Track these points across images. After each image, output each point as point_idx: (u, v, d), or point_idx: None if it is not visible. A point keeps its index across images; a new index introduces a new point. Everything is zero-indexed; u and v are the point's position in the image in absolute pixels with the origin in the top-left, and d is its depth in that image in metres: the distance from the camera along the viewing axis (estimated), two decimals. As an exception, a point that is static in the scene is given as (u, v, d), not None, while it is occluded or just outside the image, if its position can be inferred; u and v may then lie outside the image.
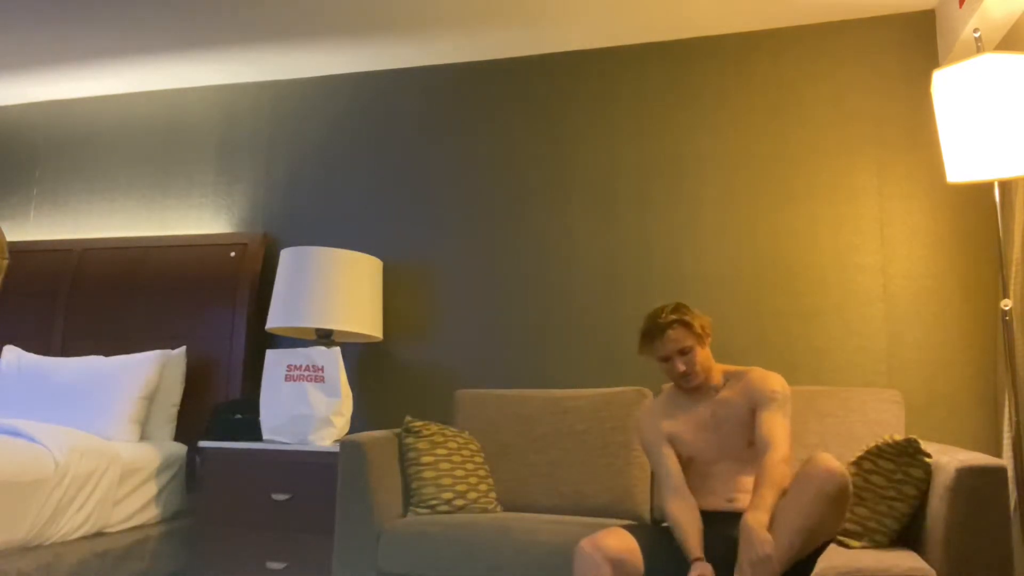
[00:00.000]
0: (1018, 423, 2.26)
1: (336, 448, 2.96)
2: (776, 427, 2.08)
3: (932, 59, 3.13)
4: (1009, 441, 2.43)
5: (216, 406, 3.31)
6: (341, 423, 3.12)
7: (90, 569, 2.73)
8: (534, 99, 3.57)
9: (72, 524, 2.68)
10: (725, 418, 2.18)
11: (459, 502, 2.72)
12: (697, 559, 1.94)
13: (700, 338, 2.20)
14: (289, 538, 2.92)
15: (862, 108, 3.18)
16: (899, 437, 2.28)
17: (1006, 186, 2.69)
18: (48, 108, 4.23)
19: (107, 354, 3.52)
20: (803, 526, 1.84)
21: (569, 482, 2.85)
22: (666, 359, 2.21)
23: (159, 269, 3.70)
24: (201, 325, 3.58)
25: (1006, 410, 2.44)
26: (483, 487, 2.80)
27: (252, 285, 3.60)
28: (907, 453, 2.24)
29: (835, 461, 1.88)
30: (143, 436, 3.31)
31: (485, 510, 2.77)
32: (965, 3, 2.71)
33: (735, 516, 2.09)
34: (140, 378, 3.28)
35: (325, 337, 3.27)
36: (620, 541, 1.96)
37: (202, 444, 3.09)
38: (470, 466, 2.81)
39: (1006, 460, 2.44)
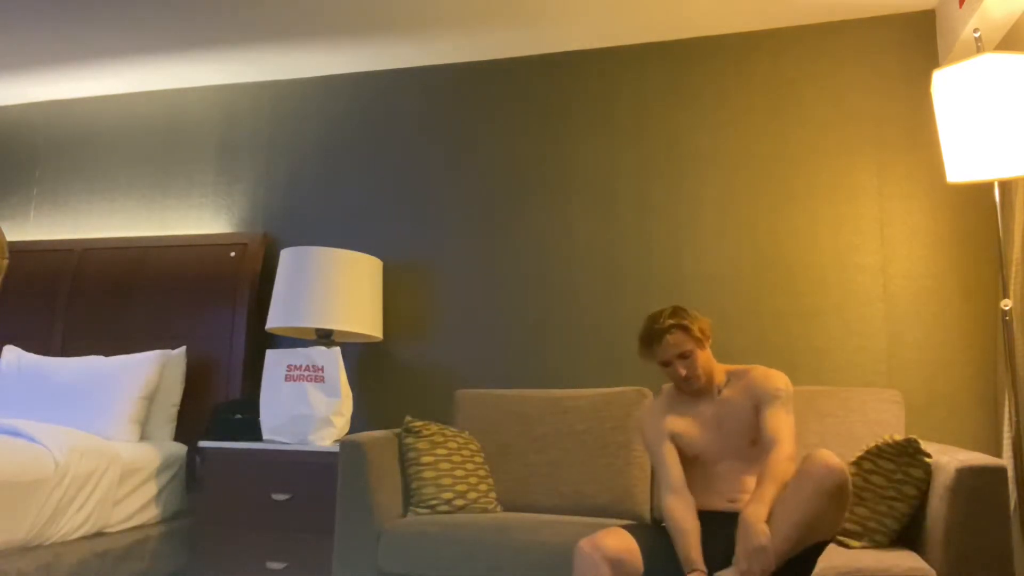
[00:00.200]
0: (1018, 423, 2.26)
1: (336, 448, 2.96)
2: (781, 424, 2.08)
3: (932, 59, 3.13)
4: (1009, 441, 2.43)
5: (216, 406, 3.31)
6: (341, 423, 3.12)
7: (90, 569, 2.73)
8: (534, 99, 3.57)
9: (72, 524, 2.68)
10: (728, 417, 2.18)
11: (459, 502, 2.72)
12: (695, 571, 1.93)
13: (700, 341, 2.20)
14: (289, 538, 2.92)
15: (862, 108, 3.18)
16: (899, 437, 2.28)
17: (1006, 186, 2.69)
18: (48, 108, 4.23)
19: (107, 354, 3.52)
20: (800, 520, 1.84)
21: (569, 482, 2.85)
22: (667, 364, 2.20)
23: (159, 269, 3.70)
24: (201, 325, 3.58)
25: (1006, 410, 2.44)
26: (483, 487, 2.80)
27: (252, 285, 3.60)
28: (907, 453, 2.24)
29: (834, 457, 1.88)
30: (143, 436, 3.31)
31: (485, 510, 2.77)
32: (965, 3, 2.71)
33: (736, 516, 2.08)
34: (140, 378, 3.28)
35: (325, 337, 3.27)
36: (619, 541, 1.96)
37: (202, 444, 3.09)
38: (470, 466, 2.81)
39: (1006, 460, 2.44)
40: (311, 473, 2.94)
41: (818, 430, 2.70)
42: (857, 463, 2.33)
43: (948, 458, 2.12)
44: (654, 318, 2.21)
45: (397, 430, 2.86)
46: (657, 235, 3.31)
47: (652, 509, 2.82)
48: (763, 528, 1.84)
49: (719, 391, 2.23)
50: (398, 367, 3.51)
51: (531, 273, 3.43)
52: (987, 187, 2.91)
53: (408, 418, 2.83)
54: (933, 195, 3.06)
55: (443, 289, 3.52)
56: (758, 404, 2.15)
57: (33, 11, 3.35)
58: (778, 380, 2.17)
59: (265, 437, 3.13)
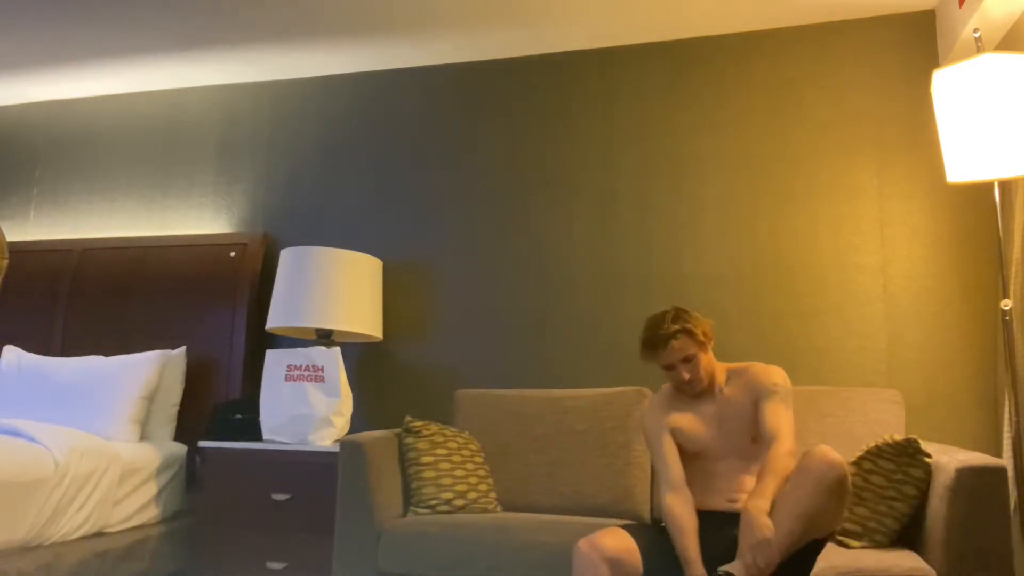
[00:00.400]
0: (1018, 423, 2.26)
1: (336, 448, 2.96)
2: (780, 420, 2.08)
3: (932, 59, 3.13)
4: (1009, 441, 2.43)
5: (216, 406, 3.31)
6: (341, 423, 3.12)
7: (90, 569, 2.73)
8: (534, 99, 3.57)
9: (72, 524, 2.68)
10: (730, 415, 2.18)
11: (459, 502, 2.71)
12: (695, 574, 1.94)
13: (703, 344, 2.19)
14: (289, 538, 2.92)
15: (862, 108, 3.18)
16: (899, 437, 2.28)
17: (1006, 186, 2.69)
18: (48, 108, 4.23)
19: (107, 354, 3.52)
20: (801, 514, 1.84)
21: (569, 482, 2.85)
22: (670, 368, 2.20)
23: (159, 269, 3.70)
24: (201, 325, 3.58)
25: (1006, 410, 2.44)
26: (483, 487, 2.80)
27: (252, 285, 3.60)
28: (907, 453, 2.24)
29: (833, 453, 1.89)
30: (143, 436, 3.31)
31: (485, 510, 2.77)
32: (965, 3, 2.71)
33: (736, 517, 2.08)
34: (140, 378, 3.28)
35: (325, 337, 3.27)
36: (618, 541, 1.96)
37: (202, 444, 3.09)
38: (470, 466, 2.81)
39: (1006, 460, 2.44)
40: (311, 473, 2.94)
41: (818, 430, 2.70)
42: (857, 463, 2.33)
43: (948, 458, 2.12)
44: (657, 323, 2.18)
45: (397, 430, 2.86)
46: (657, 235, 3.31)
47: (652, 509, 2.82)
48: (766, 521, 1.84)
49: (720, 389, 2.23)
50: (398, 367, 3.51)
51: (531, 273, 3.43)
52: (987, 187, 2.91)
53: (408, 418, 2.83)
54: (933, 195, 3.06)
55: (443, 289, 3.52)
56: (757, 400, 2.15)
57: (33, 11, 3.35)
58: (776, 375, 2.17)
59: (265, 437, 3.13)
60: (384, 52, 3.63)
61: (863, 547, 2.22)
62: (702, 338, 2.18)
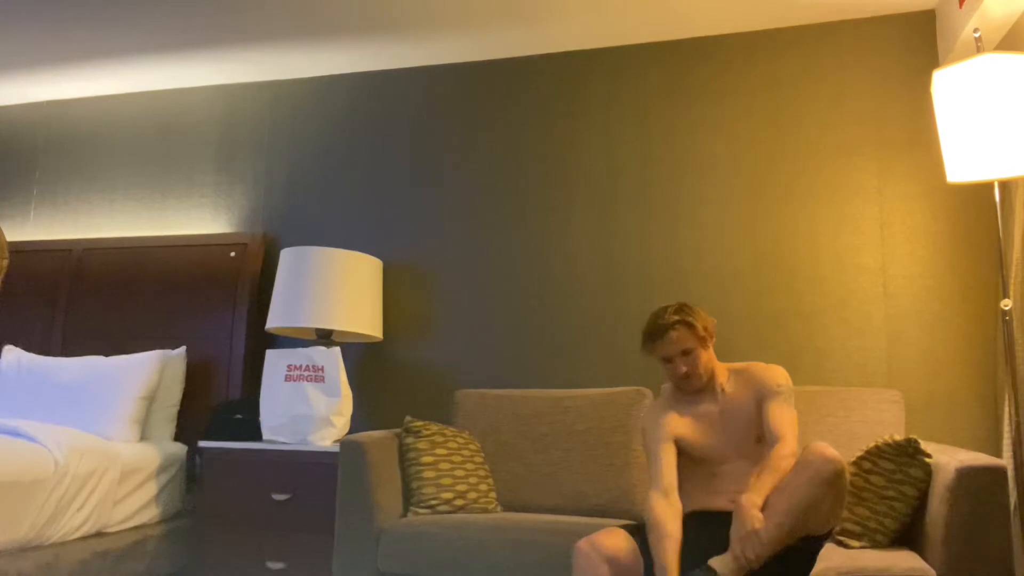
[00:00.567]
0: (1018, 423, 2.26)
1: (336, 448, 2.96)
2: (784, 420, 2.08)
3: (932, 59, 3.13)
4: (1009, 441, 2.43)
5: (216, 406, 3.31)
6: (341, 423, 3.12)
7: (90, 569, 2.73)
8: (534, 99, 3.57)
9: (72, 524, 2.68)
10: (733, 416, 2.17)
11: (459, 502, 2.71)
12: None
13: (703, 340, 2.19)
14: (289, 538, 2.92)
15: (862, 108, 3.18)
16: (899, 437, 2.28)
17: (1006, 186, 2.69)
18: (48, 108, 4.23)
19: (107, 354, 3.52)
20: (794, 506, 1.84)
21: (569, 482, 2.85)
22: (668, 360, 2.20)
23: (159, 269, 3.70)
24: (201, 325, 3.58)
25: (1006, 410, 2.44)
26: (483, 487, 2.80)
27: (252, 285, 3.60)
28: (907, 453, 2.24)
29: (830, 448, 1.89)
30: (143, 436, 3.31)
31: (485, 510, 2.77)
32: (965, 3, 2.71)
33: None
34: (140, 378, 3.28)
35: (325, 337, 3.27)
36: (618, 541, 1.96)
37: (202, 444, 3.09)
38: (470, 466, 2.81)
39: (1006, 460, 2.44)
40: (311, 473, 2.94)
41: (818, 430, 2.70)
42: (857, 463, 2.33)
43: (948, 458, 2.12)
44: (659, 313, 2.21)
45: (397, 430, 2.86)
46: (657, 235, 3.31)
47: (652, 509, 2.81)
48: (756, 514, 1.85)
49: (722, 390, 2.23)
50: (398, 367, 3.51)
51: (531, 273, 3.43)
52: (987, 187, 2.91)
53: (408, 418, 2.83)
54: (933, 195, 3.06)
55: (443, 289, 3.52)
56: (760, 400, 2.15)
57: (33, 11, 3.35)
58: (779, 375, 2.17)
59: (265, 437, 3.13)
60: (384, 52, 3.63)
61: (863, 547, 2.22)
62: (703, 332, 2.18)
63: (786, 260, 3.16)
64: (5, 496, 2.41)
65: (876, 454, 2.29)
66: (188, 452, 3.35)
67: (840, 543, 2.26)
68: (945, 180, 3.02)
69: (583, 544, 1.95)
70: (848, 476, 1.94)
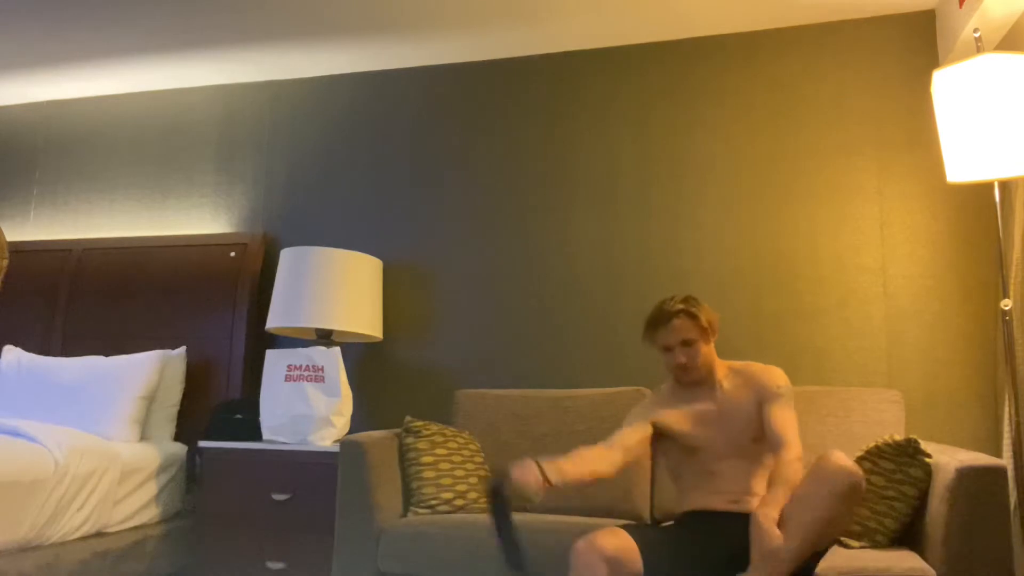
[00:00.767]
0: (1018, 423, 2.26)
1: (336, 448, 2.96)
2: (787, 423, 2.08)
3: (932, 59, 3.13)
4: (1009, 441, 2.43)
5: (216, 406, 3.31)
6: (341, 423, 3.12)
7: (90, 569, 2.73)
8: (534, 99, 3.57)
9: (72, 524, 2.68)
10: (730, 413, 2.18)
11: (459, 502, 2.71)
12: (546, 483, 1.96)
13: (705, 333, 2.20)
14: (289, 538, 2.92)
15: (862, 108, 3.18)
16: (899, 437, 2.28)
17: (1006, 186, 2.68)
18: (48, 108, 4.23)
19: (107, 354, 3.52)
20: (814, 520, 1.84)
21: (569, 482, 2.85)
22: (667, 349, 2.20)
23: (159, 269, 3.70)
24: (201, 325, 3.58)
25: (1006, 410, 2.44)
26: (483, 487, 2.80)
27: (252, 285, 3.60)
28: (907, 453, 2.24)
29: (848, 459, 1.88)
30: (143, 436, 3.31)
31: (485, 510, 2.76)
32: (965, 3, 2.71)
33: (740, 518, 2.08)
34: (140, 378, 3.28)
35: (325, 337, 3.27)
36: (617, 540, 1.94)
37: (202, 444, 3.09)
38: (470, 466, 2.81)
39: (1006, 460, 2.44)
40: (311, 473, 2.94)
41: (818, 430, 2.71)
42: (857, 463, 2.33)
43: (948, 458, 2.12)
44: (664, 302, 2.23)
45: (397, 430, 2.86)
46: (657, 235, 3.31)
47: (652, 509, 2.82)
48: (775, 531, 1.83)
49: (720, 386, 2.22)
50: (398, 367, 3.51)
51: (531, 273, 3.43)
52: (987, 187, 2.91)
53: (408, 418, 2.83)
54: (933, 195, 3.06)
55: (443, 289, 3.52)
56: (760, 400, 2.15)
57: (33, 11, 3.35)
58: (778, 377, 2.18)
59: (265, 437, 3.13)
60: (384, 52, 3.63)
61: (863, 547, 2.22)
62: (705, 325, 2.19)
63: (786, 260, 3.16)
64: (5, 496, 2.41)
65: (876, 454, 2.29)
66: (188, 452, 3.35)
67: (840, 543, 2.26)
68: (945, 180, 3.02)
69: (581, 544, 1.94)
70: (865, 484, 1.92)
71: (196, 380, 3.51)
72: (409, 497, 2.74)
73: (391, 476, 2.69)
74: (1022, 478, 2.24)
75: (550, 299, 3.38)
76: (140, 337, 3.63)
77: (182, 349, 3.48)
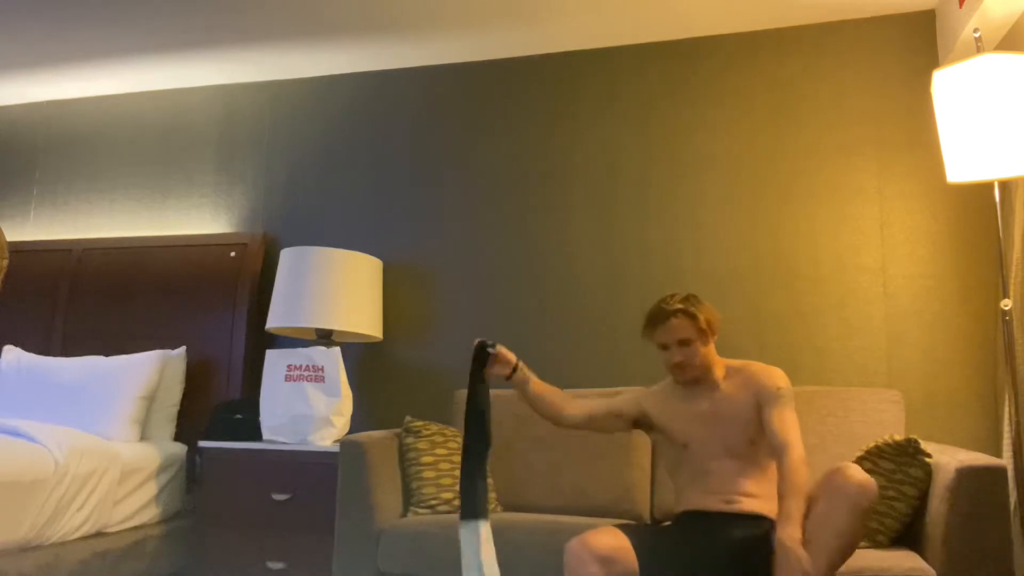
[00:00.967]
0: (1018, 423, 2.26)
1: (336, 448, 2.96)
2: (788, 425, 2.06)
3: (932, 59, 3.13)
4: (1009, 441, 2.43)
5: (216, 406, 3.31)
6: (341, 423, 3.12)
7: (90, 569, 2.73)
8: (534, 99, 3.57)
9: (72, 524, 2.68)
10: (727, 413, 2.16)
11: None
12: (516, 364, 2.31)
13: (703, 333, 2.17)
14: (289, 538, 2.92)
15: (862, 108, 3.18)
16: (899, 437, 2.28)
17: (1006, 186, 2.69)
18: (48, 108, 4.23)
19: (107, 354, 3.52)
20: (840, 545, 1.83)
21: (569, 482, 2.85)
22: (664, 347, 2.20)
23: (159, 269, 3.70)
24: (201, 325, 3.58)
25: (1006, 410, 2.44)
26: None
27: (252, 285, 3.60)
28: (907, 453, 2.24)
29: (863, 472, 1.87)
30: (143, 436, 3.31)
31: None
32: (965, 3, 2.71)
33: (733, 518, 2.07)
34: (140, 378, 3.28)
35: (325, 337, 3.27)
36: (610, 539, 1.93)
37: (202, 444, 3.09)
38: (470, 466, 2.81)
39: (1006, 460, 2.44)
40: (311, 473, 2.94)
41: (818, 430, 2.71)
42: (857, 463, 2.33)
43: (948, 458, 2.12)
44: (664, 300, 2.21)
45: (397, 430, 2.86)
46: (657, 235, 3.31)
47: (652, 509, 2.82)
48: (803, 554, 1.81)
49: (717, 386, 2.21)
50: (398, 367, 3.51)
51: (531, 273, 3.43)
52: (987, 187, 2.91)
53: (408, 418, 2.83)
54: (933, 195, 3.06)
55: (443, 289, 3.52)
56: (759, 402, 2.13)
57: (33, 12, 3.35)
58: (778, 378, 2.15)
59: (265, 437, 3.13)
60: (384, 52, 3.63)
61: (863, 547, 2.21)
62: (704, 326, 2.17)
63: (786, 260, 3.16)
64: (5, 496, 2.41)
65: (876, 454, 2.29)
66: (188, 452, 3.35)
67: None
68: (945, 180, 3.02)
69: (574, 544, 1.92)
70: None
71: (196, 380, 3.51)
72: (409, 497, 2.74)
73: (391, 476, 2.69)
74: (1022, 478, 2.24)
75: (550, 299, 3.38)
76: (140, 337, 3.63)
77: (182, 349, 3.48)
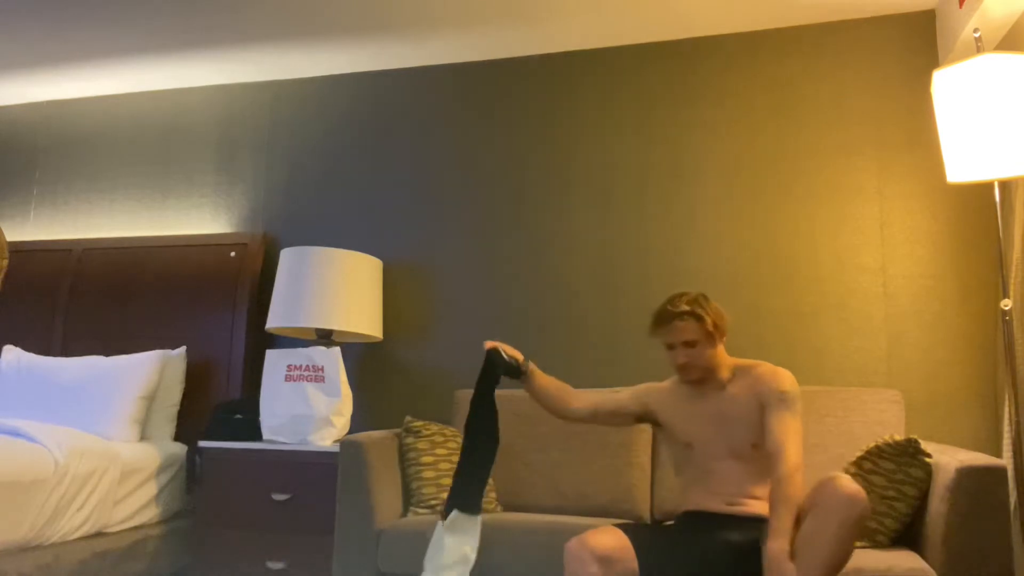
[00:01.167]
0: (1018, 423, 2.26)
1: (336, 448, 2.96)
2: (787, 432, 2.03)
3: (932, 59, 3.13)
4: (1009, 441, 2.43)
5: (216, 406, 3.31)
6: (341, 423, 3.12)
7: (90, 569, 2.73)
8: (534, 99, 3.57)
9: (72, 524, 2.68)
10: (731, 414, 2.15)
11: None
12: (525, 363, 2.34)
13: (710, 336, 2.15)
14: (289, 538, 2.92)
15: (862, 108, 3.18)
16: (899, 437, 2.28)
17: (1006, 186, 2.69)
18: (48, 108, 4.23)
19: (107, 354, 3.52)
20: (829, 560, 1.81)
21: (569, 482, 2.85)
22: (670, 347, 2.19)
23: (159, 269, 3.70)
24: (201, 325, 3.58)
25: (1006, 410, 2.44)
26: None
27: (252, 285, 3.60)
28: (907, 453, 2.24)
29: (853, 484, 1.84)
30: (143, 436, 3.31)
31: (485, 510, 2.76)
32: (965, 3, 2.71)
33: (734, 520, 2.07)
34: (140, 378, 3.28)
35: (325, 337, 3.27)
36: (610, 539, 1.92)
37: (202, 444, 3.09)
38: (470, 466, 2.81)
39: (1006, 460, 2.44)
40: (311, 473, 2.94)
41: (818, 430, 2.71)
42: (857, 463, 2.33)
43: (948, 458, 2.12)
44: (672, 300, 2.19)
45: (397, 430, 2.87)
46: (657, 235, 3.32)
47: (652, 509, 2.82)
48: (789, 567, 1.80)
49: (724, 387, 2.20)
50: (398, 367, 3.51)
51: (531, 273, 3.43)
52: (987, 187, 2.91)
53: (408, 418, 2.83)
54: (933, 195, 3.06)
55: (443, 289, 3.52)
56: (763, 405, 2.11)
57: (33, 11, 3.35)
58: (785, 382, 2.12)
59: (265, 437, 3.13)
60: (384, 52, 3.63)
61: (863, 547, 2.21)
62: (710, 328, 2.14)
63: (786, 260, 3.16)
64: (5, 496, 2.41)
65: (876, 454, 2.29)
66: (188, 452, 3.35)
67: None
68: (945, 180, 3.02)
69: (573, 544, 1.92)
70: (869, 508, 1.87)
71: (196, 380, 3.51)
72: (409, 497, 2.74)
73: (391, 476, 2.69)
74: (1022, 478, 2.24)
75: (550, 299, 3.38)
76: (140, 337, 3.63)
77: (182, 349, 3.48)
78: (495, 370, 2.31)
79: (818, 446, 2.68)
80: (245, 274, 3.60)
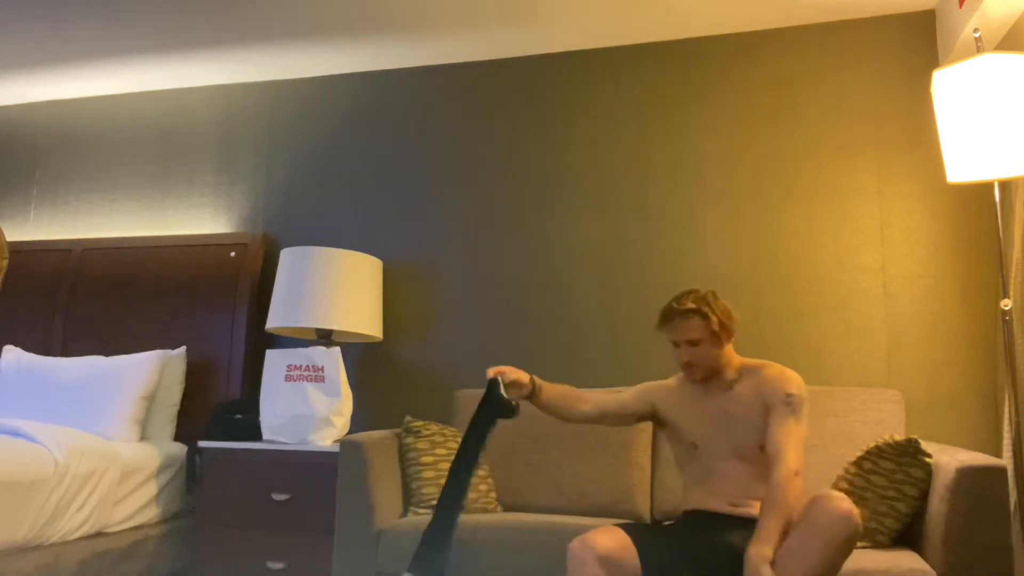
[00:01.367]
0: (1018, 423, 2.26)
1: (336, 448, 2.96)
2: (788, 436, 2.01)
3: (932, 59, 3.13)
4: (1009, 441, 2.43)
5: (216, 406, 3.31)
6: (341, 423, 3.12)
7: (90, 569, 2.73)
8: (534, 99, 3.57)
9: (72, 524, 2.68)
10: (737, 415, 2.13)
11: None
12: (532, 382, 2.27)
13: (715, 335, 2.13)
14: (289, 538, 2.92)
15: (862, 108, 3.18)
16: (899, 437, 2.28)
17: (1006, 186, 2.69)
18: (48, 108, 4.23)
19: (107, 354, 3.52)
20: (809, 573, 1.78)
21: (569, 482, 2.85)
22: (675, 344, 2.18)
23: (159, 269, 3.70)
24: (201, 325, 3.58)
25: (1006, 410, 2.44)
26: (483, 487, 2.80)
27: (252, 285, 3.60)
28: (908, 453, 2.24)
29: (846, 502, 1.80)
30: (143, 436, 3.31)
31: (485, 510, 2.77)
32: (965, 3, 2.71)
33: (736, 521, 2.06)
34: (140, 378, 3.28)
35: (325, 337, 3.27)
36: (612, 539, 1.92)
37: (202, 444, 3.09)
38: (470, 466, 2.81)
39: (1006, 460, 2.44)
40: (311, 473, 2.94)
41: (818, 430, 2.71)
42: (857, 463, 2.33)
43: (948, 458, 2.12)
44: (679, 297, 2.17)
45: (397, 430, 2.87)
46: (657, 235, 3.32)
47: (652, 509, 2.82)
48: (768, 572, 1.79)
49: (731, 386, 2.17)
50: (398, 367, 3.51)
51: (531, 273, 3.43)
52: (987, 187, 2.91)
53: (408, 418, 2.83)
54: (933, 195, 3.06)
55: (443, 289, 3.52)
56: (767, 407, 2.08)
57: (33, 11, 3.35)
58: (791, 384, 2.09)
59: (265, 437, 3.13)
60: (384, 52, 3.63)
61: (863, 547, 2.22)
62: (716, 327, 2.12)
63: (786, 260, 3.16)
64: (5, 496, 2.41)
65: (876, 454, 2.29)
66: (188, 452, 3.34)
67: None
68: (945, 180, 3.02)
69: (575, 544, 1.91)
70: (862, 527, 1.83)
71: (196, 380, 3.51)
72: (409, 497, 2.74)
73: (391, 476, 2.69)
74: (1022, 478, 2.24)
75: (550, 299, 3.38)
76: (140, 337, 3.63)
77: (182, 349, 3.48)
78: (490, 408, 2.16)
79: (818, 446, 2.68)
80: (245, 274, 3.60)
